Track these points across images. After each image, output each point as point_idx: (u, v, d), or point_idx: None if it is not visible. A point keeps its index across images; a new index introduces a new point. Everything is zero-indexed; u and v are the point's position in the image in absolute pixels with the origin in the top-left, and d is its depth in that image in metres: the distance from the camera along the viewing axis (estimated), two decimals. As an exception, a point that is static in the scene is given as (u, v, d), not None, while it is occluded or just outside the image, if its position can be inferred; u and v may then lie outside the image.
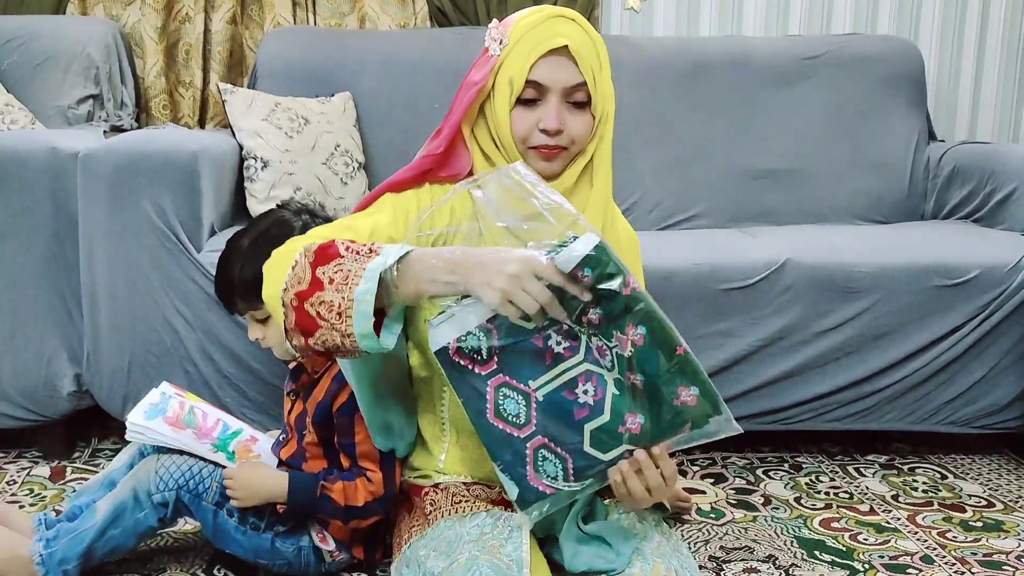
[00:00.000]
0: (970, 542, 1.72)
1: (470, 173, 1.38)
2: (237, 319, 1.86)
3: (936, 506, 1.88)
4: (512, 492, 1.21)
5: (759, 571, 1.58)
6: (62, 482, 1.91)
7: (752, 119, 2.55)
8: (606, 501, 1.37)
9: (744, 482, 1.97)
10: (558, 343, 1.17)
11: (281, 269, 1.24)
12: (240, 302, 1.53)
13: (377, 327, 1.19)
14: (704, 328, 1.95)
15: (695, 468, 2.04)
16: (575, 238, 1.14)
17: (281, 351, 1.54)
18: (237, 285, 1.51)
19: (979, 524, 1.80)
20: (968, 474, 2.05)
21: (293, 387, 1.56)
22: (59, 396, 1.97)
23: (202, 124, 2.68)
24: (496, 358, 1.18)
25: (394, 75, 2.46)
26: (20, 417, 1.98)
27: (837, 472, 2.04)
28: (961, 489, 1.97)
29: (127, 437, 1.52)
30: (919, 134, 2.61)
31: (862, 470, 2.06)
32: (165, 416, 1.51)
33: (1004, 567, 1.62)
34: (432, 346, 1.20)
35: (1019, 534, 1.75)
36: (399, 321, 1.23)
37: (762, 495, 1.91)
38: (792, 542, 1.69)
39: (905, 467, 2.08)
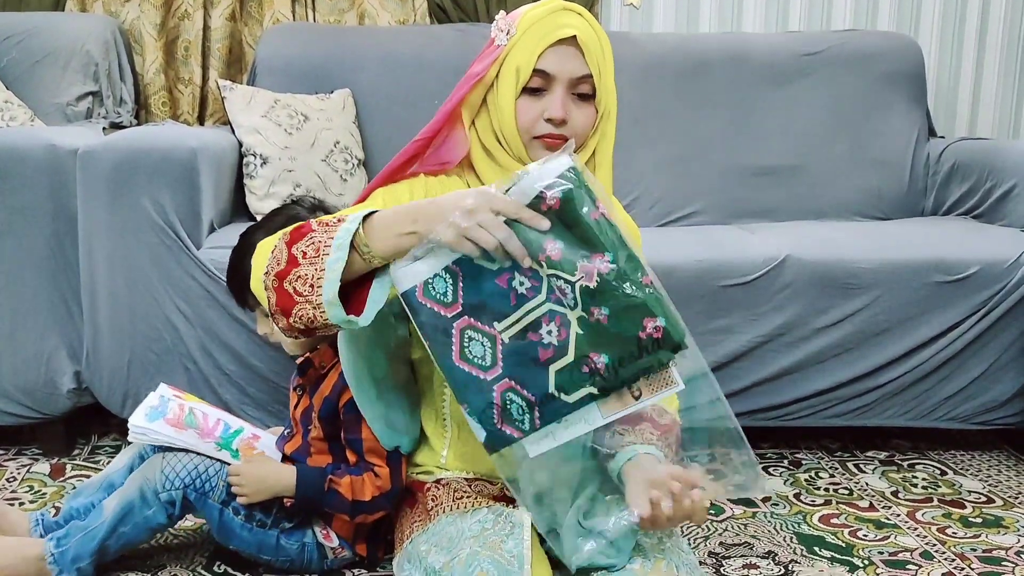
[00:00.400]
0: (970, 538, 1.72)
1: (463, 163, 1.39)
2: (237, 316, 1.86)
3: (936, 502, 1.88)
4: (480, 435, 1.20)
5: (759, 567, 1.58)
6: (62, 479, 1.92)
7: (752, 115, 2.55)
8: (607, 498, 1.37)
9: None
10: (521, 283, 1.15)
11: (264, 257, 1.26)
12: (250, 296, 1.53)
13: (363, 304, 1.20)
14: (704, 324, 1.95)
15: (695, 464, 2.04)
16: (536, 170, 1.12)
17: (289, 345, 1.54)
18: (247, 279, 1.51)
19: (979, 520, 1.80)
20: (968, 470, 2.05)
21: (299, 382, 1.56)
22: (59, 393, 1.97)
23: (201, 121, 2.68)
24: (461, 300, 1.17)
25: (393, 72, 2.46)
26: (20, 414, 1.98)
27: (837, 468, 2.04)
28: (961, 485, 1.97)
29: (130, 439, 1.52)
30: (919, 130, 2.61)
31: (862, 466, 2.06)
32: (166, 418, 1.52)
33: (1003, 563, 1.62)
34: (398, 289, 1.20)
35: (1018, 530, 1.76)
36: (384, 291, 1.22)
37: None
38: (792, 538, 1.70)
39: (905, 463, 2.09)
